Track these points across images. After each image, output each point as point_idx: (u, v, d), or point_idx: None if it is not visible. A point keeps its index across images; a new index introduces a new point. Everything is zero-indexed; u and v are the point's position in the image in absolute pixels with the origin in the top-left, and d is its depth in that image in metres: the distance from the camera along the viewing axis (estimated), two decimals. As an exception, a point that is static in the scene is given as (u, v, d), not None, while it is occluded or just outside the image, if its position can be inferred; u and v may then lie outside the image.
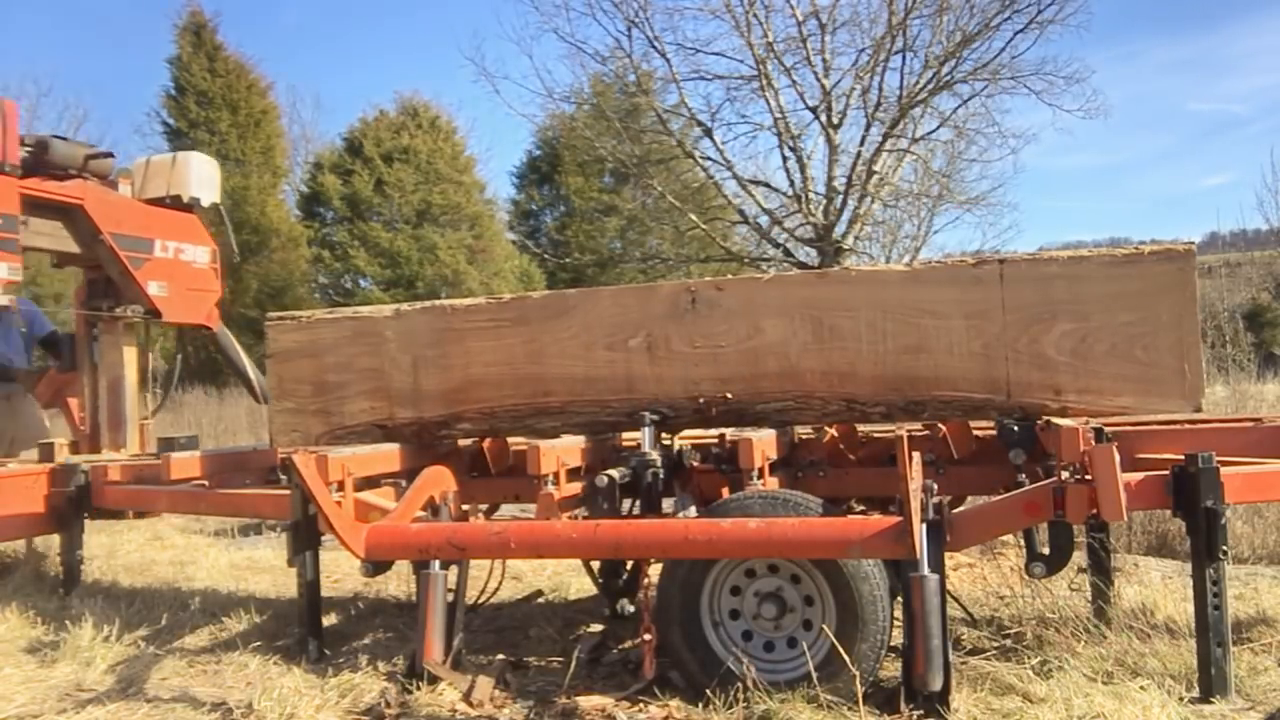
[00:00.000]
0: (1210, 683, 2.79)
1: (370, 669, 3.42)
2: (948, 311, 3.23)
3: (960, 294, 3.22)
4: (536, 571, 5.03)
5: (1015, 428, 3.25)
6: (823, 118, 16.09)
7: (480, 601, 4.01)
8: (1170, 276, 3.06)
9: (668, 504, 3.44)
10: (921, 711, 2.68)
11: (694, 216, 17.35)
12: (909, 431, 3.57)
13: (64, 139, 5.18)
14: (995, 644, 3.33)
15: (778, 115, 16.14)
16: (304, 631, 3.62)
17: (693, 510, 3.31)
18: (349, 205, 22.59)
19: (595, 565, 3.73)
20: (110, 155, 5.50)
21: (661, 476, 3.34)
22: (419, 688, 3.08)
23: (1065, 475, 2.87)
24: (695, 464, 3.53)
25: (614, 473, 3.31)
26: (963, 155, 17.32)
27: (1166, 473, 2.89)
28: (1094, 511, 2.78)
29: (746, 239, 19.10)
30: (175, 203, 5.58)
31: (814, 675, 2.79)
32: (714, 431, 3.67)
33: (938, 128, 16.55)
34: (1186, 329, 3.06)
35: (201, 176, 5.69)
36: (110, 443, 5.50)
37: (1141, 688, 2.76)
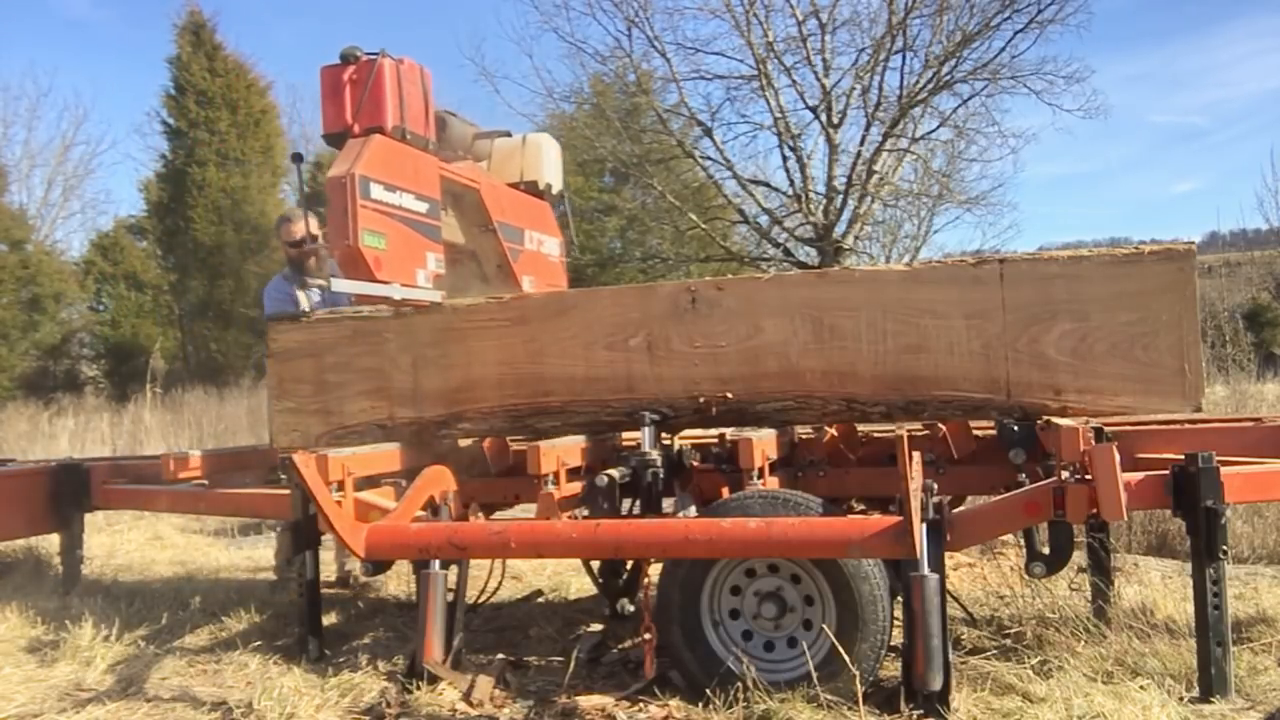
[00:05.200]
0: (1210, 682, 2.79)
1: (370, 669, 3.42)
2: (948, 311, 3.23)
3: (960, 294, 3.22)
4: (536, 571, 5.03)
5: (1015, 427, 3.25)
6: (823, 117, 16.08)
7: (480, 601, 4.01)
8: (1170, 276, 3.06)
9: (668, 504, 3.44)
10: (921, 711, 2.68)
11: (694, 216, 17.33)
12: (909, 431, 3.57)
13: (455, 115, 4.62)
14: (995, 644, 3.33)
15: (778, 115, 16.14)
16: (304, 631, 3.62)
17: (693, 510, 3.31)
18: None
19: (595, 565, 3.73)
20: (505, 134, 4.98)
21: (661, 476, 3.34)
22: (419, 687, 3.08)
23: (1065, 475, 2.87)
24: (695, 464, 3.53)
25: (614, 472, 3.30)
26: (963, 155, 17.31)
27: (1166, 473, 2.89)
28: (1094, 511, 2.78)
29: (746, 239, 19.08)
30: (530, 189, 5.01)
31: (814, 675, 2.79)
32: (714, 431, 3.67)
33: (938, 128, 16.56)
34: (1186, 329, 3.06)
35: (551, 161, 5.13)
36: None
37: (1141, 687, 2.76)
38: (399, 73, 3.68)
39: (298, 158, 4.02)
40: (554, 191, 5.09)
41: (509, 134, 4.96)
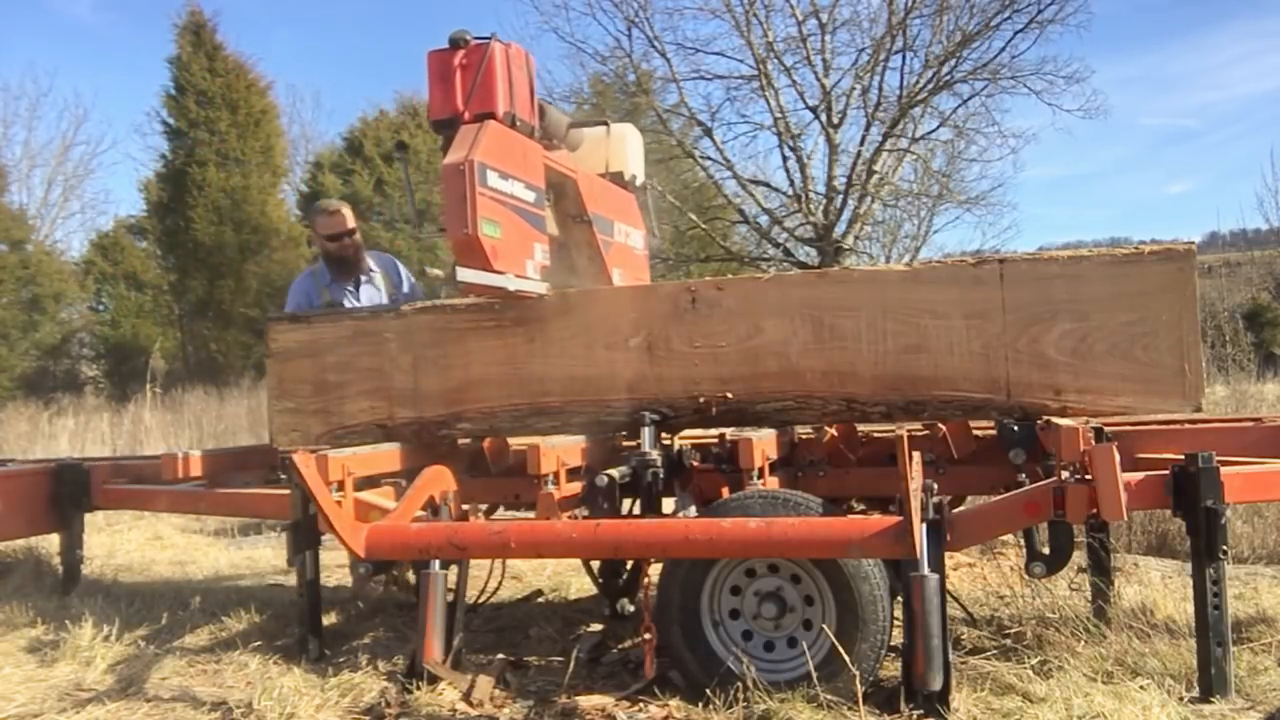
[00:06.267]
0: (1210, 682, 2.79)
1: (370, 669, 3.42)
2: (948, 311, 3.23)
3: (960, 294, 3.22)
4: (536, 571, 5.03)
5: (1015, 428, 3.25)
6: (823, 117, 16.10)
7: (480, 601, 4.01)
8: (1170, 276, 3.07)
9: (668, 504, 3.44)
10: (921, 711, 2.68)
11: (694, 216, 17.34)
12: (909, 431, 3.57)
13: (551, 103, 4.54)
14: (995, 644, 3.33)
15: (778, 115, 16.16)
16: (304, 631, 3.62)
17: (693, 510, 3.31)
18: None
19: (595, 565, 3.73)
20: (602, 124, 4.89)
21: (661, 476, 3.34)
22: (419, 687, 3.08)
23: (1065, 475, 2.87)
24: (695, 464, 3.53)
25: (614, 472, 3.30)
26: (963, 155, 17.36)
27: (1166, 473, 2.89)
28: (1094, 511, 2.78)
29: (746, 239, 19.10)
30: (615, 180, 4.87)
31: (814, 675, 2.79)
32: (714, 431, 3.67)
33: (938, 128, 16.60)
34: (1186, 329, 3.06)
35: (637, 152, 5.00)
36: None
37: (1141, 687, 2.76)
38: (508, 57, 3.59)
39: (402, 146, 3.87)
40: (637, 183, 4.99)
41: (605, 124, 4.86)
